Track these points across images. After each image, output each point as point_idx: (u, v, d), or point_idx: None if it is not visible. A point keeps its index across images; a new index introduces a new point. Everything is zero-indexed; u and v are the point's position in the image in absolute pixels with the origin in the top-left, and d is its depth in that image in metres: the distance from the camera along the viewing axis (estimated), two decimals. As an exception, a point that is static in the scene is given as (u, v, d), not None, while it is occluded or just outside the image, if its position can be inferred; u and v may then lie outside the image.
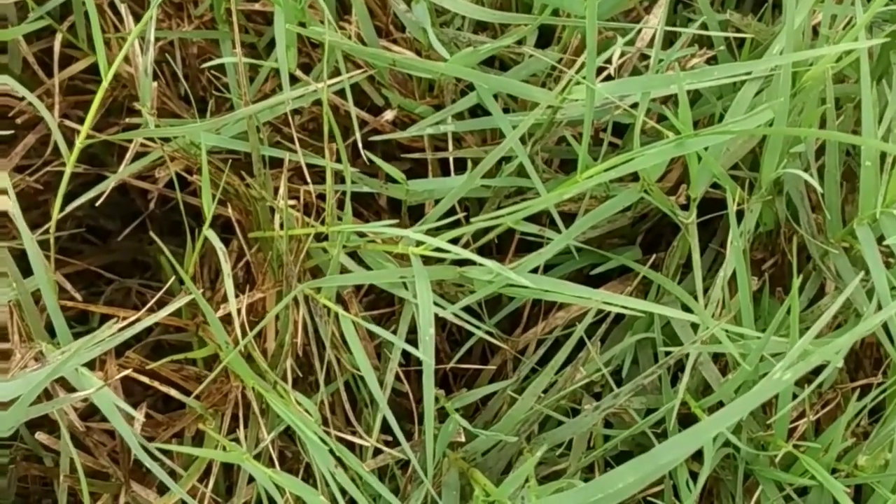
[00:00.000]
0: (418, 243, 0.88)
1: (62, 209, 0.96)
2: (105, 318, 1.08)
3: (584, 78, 0.86)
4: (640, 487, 0.69)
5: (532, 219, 0.96)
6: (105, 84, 0.90)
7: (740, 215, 0.92)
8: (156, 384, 0.93)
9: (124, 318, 0.87)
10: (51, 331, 0.94)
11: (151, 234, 0.95)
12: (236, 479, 0.97)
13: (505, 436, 0.89)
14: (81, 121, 0.95)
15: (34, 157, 1.07)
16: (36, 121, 1.06)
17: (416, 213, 1.02)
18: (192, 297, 0.87)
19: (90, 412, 0.98)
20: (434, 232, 0.90)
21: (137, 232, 1.18)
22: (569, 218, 0.95)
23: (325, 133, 0.89)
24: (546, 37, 1.02)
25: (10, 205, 0.92)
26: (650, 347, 1.01)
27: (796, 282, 0.80)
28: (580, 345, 0.94)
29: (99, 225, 1.21)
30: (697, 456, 0.92)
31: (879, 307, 0.88)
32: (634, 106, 0.91)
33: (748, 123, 0.84)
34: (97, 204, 0.98)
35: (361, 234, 0.93)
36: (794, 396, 0.90)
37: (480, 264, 0.87)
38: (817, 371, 0.86)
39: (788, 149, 0.90)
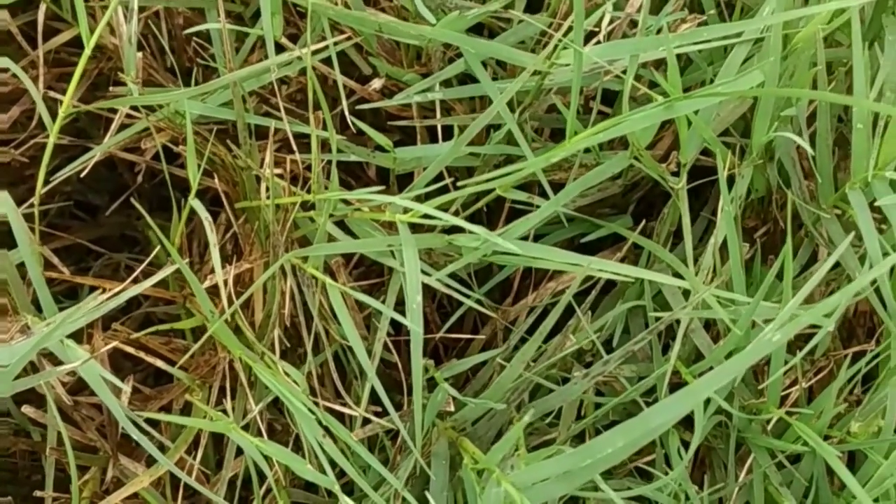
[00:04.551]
0: (406, 210, 0.87)
1: (47, 182, 0.95)
2: (93, 292, 1.08)
3: (571, 41, 0.85)
4: (630, 452, 0.69)
5: (522, 188, 0.95)
6: (87, 52, 0.89)
7: (731, 181, 0.91)
8: (143, 355, 0.92)
9: (111, 289, 0.86)
10: (38, 306, 0.93)
11: (138, 207, 0.94)
12: (224, 451, 0.96)
13: (494, 403, 0.88)
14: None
15: (19, 132, 1.06)
16: (20, 94, 1.05)
17: (404, 184, 1.00)
18: (177, 266, 0.86)
19: (78, 388, 0.97)
20: (422, 199, 0.89)
21: (125, 207, 1.17)
22: (559, 188, 0.94)
23: (309, 99, 0.88)
24: (534, 4, 1.01)
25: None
26: (641, 316, 1.00)
27: (789, 245, 0.79)
28: (571, 314, 0.94)
29: (87, 200, 1.20)
30: (689, 425, 0.91)
31: (872, 272, 0.87)
32: (625, 72, 0.90)
33: (738, 85, 0.83)
34: (84, 177, 0.97)
35: (348, 203, 0.92)
36: (787, 364, 0.90)
37: (469, 231, 0.86)
38: (810, 338, 0.85)
39: (779, 112, 0.89)
